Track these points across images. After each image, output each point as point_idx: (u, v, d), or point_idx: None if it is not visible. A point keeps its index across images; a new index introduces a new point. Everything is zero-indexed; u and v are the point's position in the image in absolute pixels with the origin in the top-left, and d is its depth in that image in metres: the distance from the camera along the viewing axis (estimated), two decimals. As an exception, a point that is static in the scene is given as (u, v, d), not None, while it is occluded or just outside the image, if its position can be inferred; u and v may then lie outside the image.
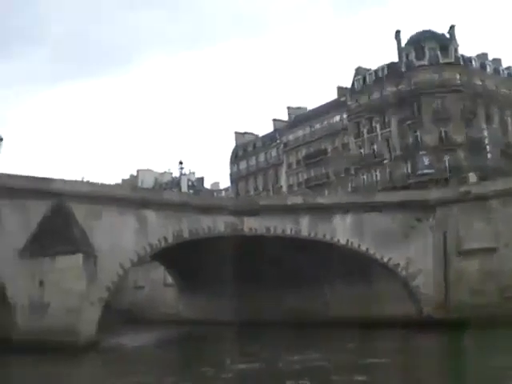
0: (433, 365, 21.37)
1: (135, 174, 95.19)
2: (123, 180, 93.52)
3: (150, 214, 32.49)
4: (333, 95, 68.30)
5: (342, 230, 35.62)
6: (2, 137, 33.37)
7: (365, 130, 60.29)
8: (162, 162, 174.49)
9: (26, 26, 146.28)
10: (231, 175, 79.42)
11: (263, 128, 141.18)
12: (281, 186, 69.92)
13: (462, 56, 58.37)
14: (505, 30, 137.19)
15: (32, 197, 28.59)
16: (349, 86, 64.18)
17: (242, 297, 39.42)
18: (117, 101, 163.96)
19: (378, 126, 59.04)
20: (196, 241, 34.60)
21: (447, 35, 58.12)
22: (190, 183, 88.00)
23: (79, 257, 27.50)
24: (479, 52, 62.49)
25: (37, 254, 27.83)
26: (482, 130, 56.16)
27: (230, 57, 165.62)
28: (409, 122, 56.00)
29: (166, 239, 32.72)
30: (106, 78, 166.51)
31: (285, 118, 74.73)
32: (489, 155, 55.07)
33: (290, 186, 68.46)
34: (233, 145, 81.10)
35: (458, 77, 56.41)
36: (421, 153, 54.27)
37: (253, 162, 76.20)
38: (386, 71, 60.12)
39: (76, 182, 32.82)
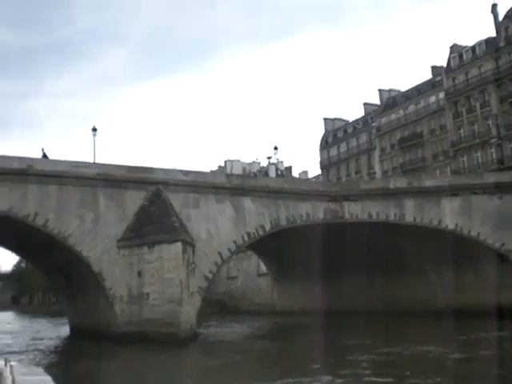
0: None
1: (223, 164, 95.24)
2: (211, 171, 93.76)
3: (246, 202, 31.57)
4: (426, 75, 65.40)
5: (449, 214, 33.48)
6: (97, 127, 34.57)
7: (464, 110, 57.14)
8: (250, 153, 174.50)
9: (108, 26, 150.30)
10: (321, 162, 77.73)
11: (353, 113, 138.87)
12: (374, 172, 67.58)
13: None
14: None
15: (130, 186, 28.40)
16: (444, 64, 61.32)
17: (335, 285, 38.59)
18: (201, 95, 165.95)
19: (477, 105, 55.76)
20: (292, 229, 33.39)
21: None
22: (278, 172, 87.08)
23: (178, 245, 26.46)
24: None
25: (135, 244, 27.38)
26: None
27: (312, 46, 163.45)
28: (511, 99, 52.52)
29: (263, 227, 31.73)
30: (185, 74, 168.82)
31: (376, 101, 72.19)
32: None
33: (384, 172, 66.01)
34: (322, 132, 79.46)
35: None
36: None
37: (344, 147, 74.11)
38: (483, 47, 56.84)
39: (174, 170, 32.16)
